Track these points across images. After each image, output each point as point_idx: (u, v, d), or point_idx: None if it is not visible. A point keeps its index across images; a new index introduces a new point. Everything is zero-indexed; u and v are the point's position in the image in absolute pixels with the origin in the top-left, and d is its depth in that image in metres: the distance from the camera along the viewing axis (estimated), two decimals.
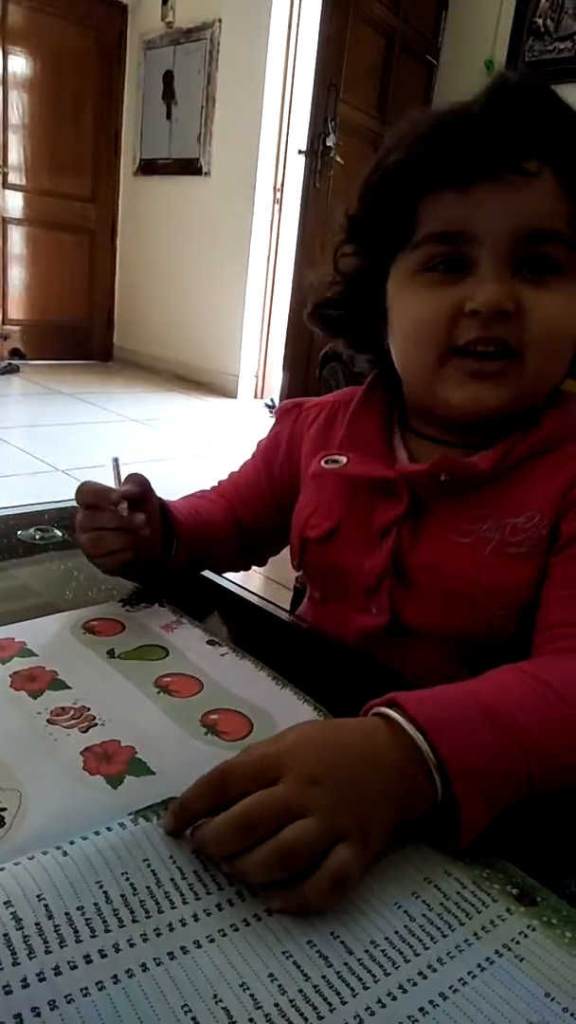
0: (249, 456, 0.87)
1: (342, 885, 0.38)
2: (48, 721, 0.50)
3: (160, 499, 0.72)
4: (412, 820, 0.43)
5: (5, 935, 0.34)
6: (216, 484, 0.88)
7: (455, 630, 0.63)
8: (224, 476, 0.88)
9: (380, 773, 0.42)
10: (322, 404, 0.79)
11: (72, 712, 0.51)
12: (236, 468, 0.88)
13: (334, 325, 0.74)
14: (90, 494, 0.66)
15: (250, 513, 0.83)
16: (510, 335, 0.59)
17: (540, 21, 4.31)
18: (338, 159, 3.52)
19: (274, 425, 0.83)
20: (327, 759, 0.42)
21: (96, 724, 0.50)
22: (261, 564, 0.89)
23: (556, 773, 0.46)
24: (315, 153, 3.51)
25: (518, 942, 0.38)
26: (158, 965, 0.34)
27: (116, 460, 0.71)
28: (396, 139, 0.62)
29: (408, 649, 0.66)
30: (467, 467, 0.63)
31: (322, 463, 0.72)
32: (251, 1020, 0.32)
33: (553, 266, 0.59)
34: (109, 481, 0.69)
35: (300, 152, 3.64)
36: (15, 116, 4.95)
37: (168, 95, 5.10)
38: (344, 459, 0.71)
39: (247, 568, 0.88)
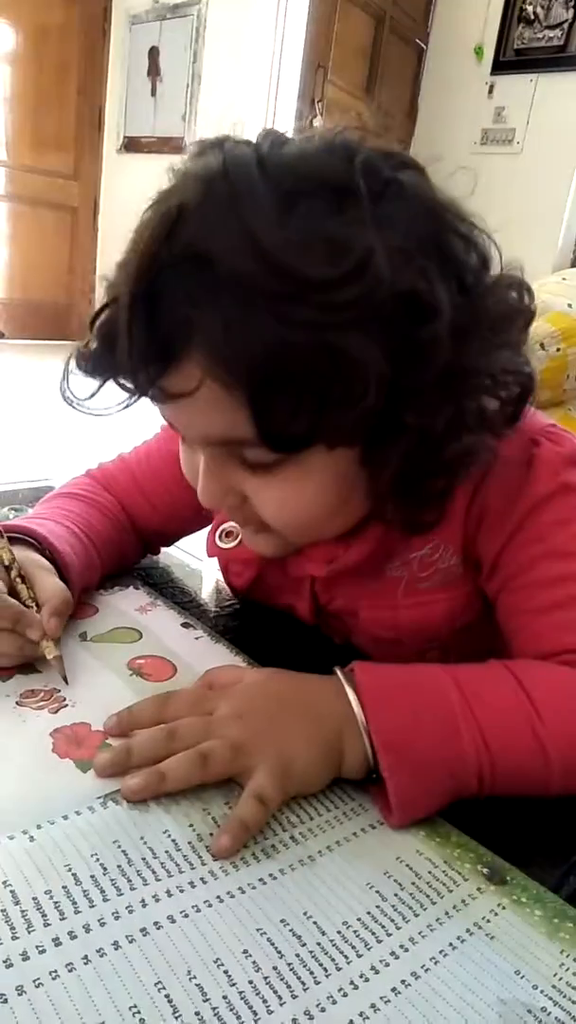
0: (150, 442, 0.76)
1: (260, 800, 0.42)
2: (17, 703, 0.50)
3: (56, 554, 0.60)
4: (352, 780, 0.46)
5: None
6: (112, 465, 0.76)
7: (398, 660, 0.59)
8: None
9: (310, 720, 0.46)
10: None
11: (42, 695, 0.51)
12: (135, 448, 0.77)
13: None
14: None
15: (157, 518, 0.74)
16: (248, 517, 0.54)
17: (530, 8, 4.29)
18: None
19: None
20: (259, 699, 0.48)
21: (66, 706, 0.50)
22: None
23: (512, 783, 0.46)
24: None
25: (489, 920, 0.38)
26: (131, 942, 0.34)
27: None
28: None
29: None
30: (352, 561, 0.59)
31: (217, 540, 0.68)
32: (225, 997, 0.32)
33: (267, 463, 0.49)
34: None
35: None
36: None
37: (153, 71, 5.02)
38: (238, 532, 0.65)
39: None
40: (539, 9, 4.24)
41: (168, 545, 0.79)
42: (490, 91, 4.54)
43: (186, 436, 0.53)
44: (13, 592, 0.54)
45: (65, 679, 0.52)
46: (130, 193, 5.80)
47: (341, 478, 0.51)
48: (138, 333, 0.44)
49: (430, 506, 0.53)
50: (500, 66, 4.50)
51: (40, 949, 0.33)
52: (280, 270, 0.40)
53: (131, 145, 5.30)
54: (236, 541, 0.66)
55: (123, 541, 0.71)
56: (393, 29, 3.96)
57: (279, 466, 0.49)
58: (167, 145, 5.01)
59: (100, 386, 0.51)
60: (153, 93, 5.06)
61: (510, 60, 4.48)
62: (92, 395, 0.53)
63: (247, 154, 0.44)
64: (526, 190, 3.98)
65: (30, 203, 5.21)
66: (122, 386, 0.49)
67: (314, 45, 3.43)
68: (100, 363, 0.50)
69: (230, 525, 0.67)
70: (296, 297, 0.41)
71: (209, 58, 4.71)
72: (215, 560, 0.72)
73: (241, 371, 0.43)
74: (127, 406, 0.52)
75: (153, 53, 4.99)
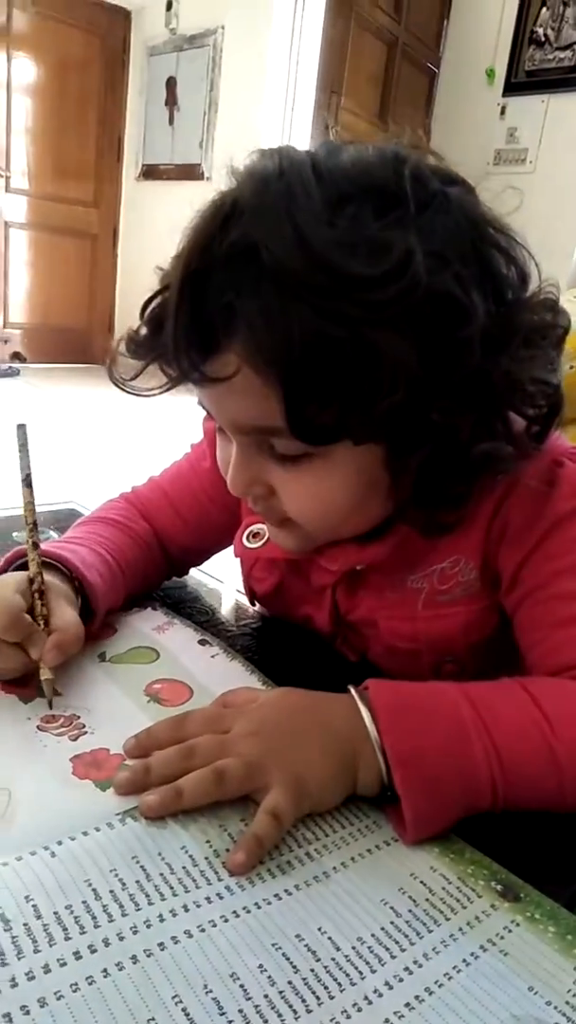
0: (180, 462, 0.78)
1: (275, 817, 0.42)
2: (38, 728, 0.51)
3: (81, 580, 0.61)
4: (367, 797, 0.46)
5: None
6: (145, 487, 0.78)
7: (412, 676, 0.60)
8: None
9: (324, 737, 0.47)
10: None
11: (62, 720, 0.52)
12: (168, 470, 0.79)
13: None
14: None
15: (188, 532, 0.75)
16: (273, 511, 0.56)
17: (540, 30, 4.34)
18: None
19: (209, 438, 0.72)
20: (274, 717, 0.48)
21: (86, 733, 0.51)
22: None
23: (527, 797, 0.47)
24: None
25: (502, 937, 0.39)
26: (148, 956, 0.34)
27: (22, 428, 0.63)
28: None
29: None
30: (371, 560, 0.61)
31: (245, 540, 0.70)
32: (241, 1011, 0.32)
33: (295, 453, 0.51)
34: (13, 453, 0.63)
35: None
36: (19, 121, 4.97)
37: (171, 101, 5.12)
38: (265, 533, 0.68)
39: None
40: (549, 31, 4.28)
41: (197, 565, 0.80)
42: (502, 112, 4.58)
43: (220, 421, 0.54)
44: (29, 609, 0.56)
45: (50, 703, 0.53)
46: (149, 220, 5.93)
47: (365, 475, 0.53)
48: (185, 317, 0.47)
49: (450, 508, 0.54)
50: (512, 87, 4.55)
51: (61, 962, 0.33)
52: (323, 266, 0.43)
53: (150, 173, 5.40)
54: (263, 541, 0.68)
55: (150, 566, 0.73)
56: (405, 54, 4.02)
57: (306, 459, 0.51)
58: (185, 172, 5.10)
59: (144, 367, 0.55)
60: (171, 122, 5.15)
61: (521, 81, 4.53)
62: (136, 375, 0.57)
63: (303, 158, 0.48)
64: (539, 209, 4.00)
65: (51, 231, 5.32)
66: (165, 371, 0.52)
67: (327, 72, 3.48)
68: (147, 346, 0.53)
69: (258, 526, 0.69)
70: (336, 292, 0.43)
71: (225, 87, 4.79)
72: (234, 577, 0.74)
73: (276, 360, 0.45)
74: (168, 389, 0.55)
75: (171, 83, 5.09)
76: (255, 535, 0.69)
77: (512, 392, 0.50)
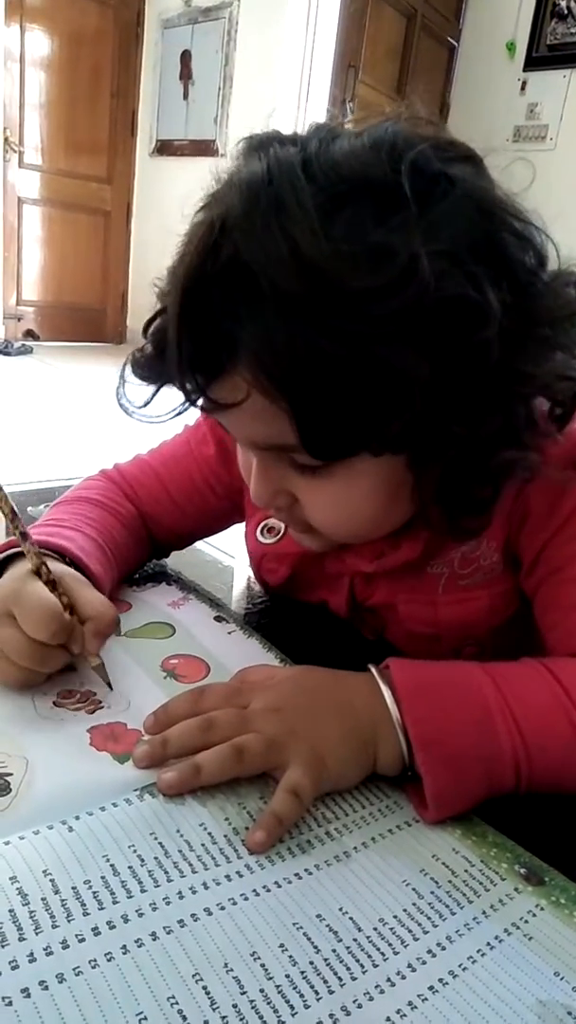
0: (172, 443, 0.75)
1: (294, 794, 0.42)
2: (55, 703, 0.50)
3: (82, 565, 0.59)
4: (388, 776, 0.46)
5: (11, 911, 0.34)
6: (133, 467, 0.75)
7: (434, 657, 0.59)
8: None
9: (344, 716, 0.46)
10: None
11: (79, 696, 0.51)
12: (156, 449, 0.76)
13: None
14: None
15: (185, 522, 0.73)
16: (297, 519, 0.55)
17: (563, 3, 4.24)
18: None
19: (208, 428, 0.71)
20: (295, 694, 0.48)
21: (102, 707, 0.50)
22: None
23: (552, 777, 0.46)
24: None
25: (527, 921, 0.38)
26: (168, 933, 0.34)
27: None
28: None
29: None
30: (405, 559, 0.59)
31: (259, 536, 0.68)
32: (262, 991, 0.32)
33: (316, 465, 0.49)
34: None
35: None
36: (32, 95, 4.92)
37: (185, 75, 5.06)
38: (280, 527, 0.67)
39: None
40: (572, 4, 4.19)
41: (180, 548, 0.77)
42: (522, 88, 4.50)
43: (236, 439, 0.53)
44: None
45: (109, 685, 0.52)
46: (163, 196, 5.88)
47: (388, 482, 0.51)
48: (186, 345, 0.45)
49: (475, 513, 0.52)
50: (533, 62, 4.46)
51: (80, 938, 0.33)
52: (322, 283, 0.40)
53: (164, 148, 5.34)
54: (278, 537, 0.67)
55: (136, 550, 0.70)
56: (424, 27, 3.94)
57: (327, 469, 0.49)
58: (199, 148, 5.04)
59: (154, 394, 0.53)
60: (185, 96, 5.09)
61: (543, 56, 4.44)
62: (147, 403, 0.54)
63: (292, 157, 0.44)
64: (560, 186, 3.94)
65: (64, 207, 5.28)
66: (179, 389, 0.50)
67: (345, 45, 3.42)
68: (154, 369, 0.51)
69: (273, 521, 0.67)
70: (338, 310, 0.40)
71: (240, 60, 4.73)
72: (247, 556, 0.73)
73: (284, 383, 0.43)
74: (179, 413, 0.53)
75: (185, 57, 5.03)
76: (269, 530, 0.68)
77: (535, 387, 0.47)
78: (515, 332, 0.44)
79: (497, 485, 0.51)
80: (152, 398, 0.54)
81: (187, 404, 0.50)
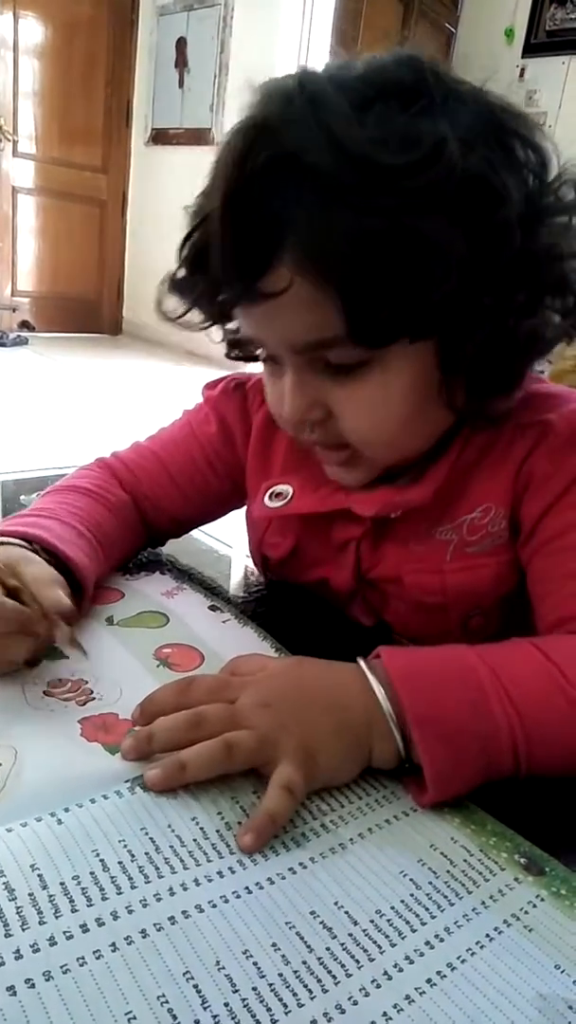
0: (172, 428, 0.76)
1: (287, 790, 0.40)
2: (45, 693, 0.49)
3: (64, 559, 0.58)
4: (384, 769, 0.45)
5: None
6: (131, 453, 0.75)
7: (433, 634, 0.61)
8: None
9: (337, 710, 0.45)
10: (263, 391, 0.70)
11: (69, 685, 0.50)
12: (154, 435, 0.77)
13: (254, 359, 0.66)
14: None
15: (185, 506, 0.73)
16: (332, 436, 0.56)
17: None
18: None
19: (211, 407, 0.74)
20: (284, 688, 0.46)
21: (94, 699, 0.49)
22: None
23: (551, 754, 0.45)
24: None
25: (527, 912, 0.37)
26: (158, 930, 0.33)
27: None
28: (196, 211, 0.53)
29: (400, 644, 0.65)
30: (415, 500, 0.59)
31: (266, 500, 0.67)
32: (255, 989, 0.31)
33: (352, 364, 0.51)
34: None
35: None
36: (26, 83, 4.88)
37: (181, 62, 5.02)
38: (289, 490, 0.66)
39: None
40: None
41: (178, 536, 0.77)
42: (521, 74, 4.46)
43: (273, 345, 0.54)
44: (15, 595, 0.51)
45: (84, 652, 0.51)
46: (159, 185, 5.86)
47: (420, 380, 0.53)
48: (231, 238, 0.48)
49: (502, 391, 0.55)
50: (531, 48, 4.43)
51: (68, 935, 0.32)
52: (358, 162, 0.44)
53: (159, 137, 5.31)
54: (286, 500, 0.66)
55: (127, 538, 0.69)
56: (422, 12, 3.91)
57: (362, 369, 0.51)
58: (195, 137, 5.01)
59: (189, 308, 0.57)
60: (181, 85, 5.05)
61: (541, 42, 4.41)
62: (183, 314, 0.58)
63: (319, 74, 0.49)
64: None
65: (58, 197, 5.24)
66: (206, 310, 0.56)
67: (342, 31, 3.39)
68: (189, 285, 0.55)
69: (281, 487, 0.67)
70: (375, 186, 0.44)
71: (236, 47, 4.69)
72: (244, 543, 0.72)
73: (329, 265, 0.46)
74: (217, 321, 0.58)
75: (181, 44, 4.99)
76: (277, 495, 0.67)
77: (556, 263, 0.51)
78: (529, 217, 0.48)
79: (524, 359, 0.54)
80: (187, 312, 0.57)
81: (214, 321, 0.53)
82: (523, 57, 4.44)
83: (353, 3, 3.39)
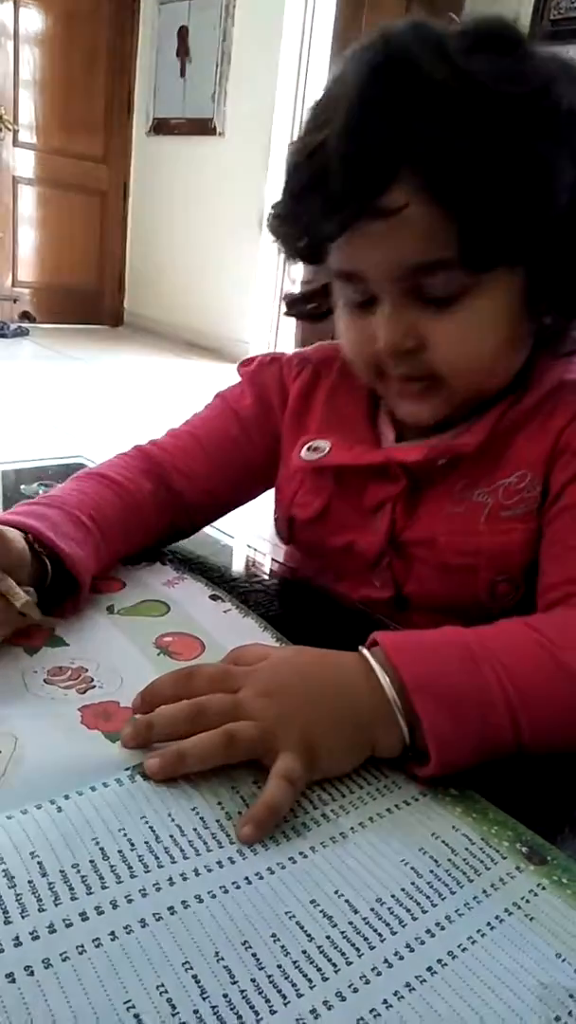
0: (205, 410, 0.77)
1: (288, 781, 0.40)
2: (45, 680, 0.49)
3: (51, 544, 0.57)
4: (390, 757, 0.44)
5: None
6: (167, 437, 0.76)
7: (459, 601, 0.62)
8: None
9: (338, 697, 0.45)
10: (301, 361, 0.75)
11: (70, 673, 0.50)
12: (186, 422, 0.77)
13: (312, 318, 0.71)
14: None
15: (210, 480, 0.73)
16: (421, 366, 0.58)
17: None
18: None
19: (247, 381, 0.76)
20: (286, 678, 0.46)
21: (94, 687, 0.49)
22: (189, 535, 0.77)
23: (549, 719, 0.46)
24: None
25: (528, 901, 0.37)
26: (158, 920, 0.33)
27: None
28: (296, 151, 0.56)
29: (412, 623, 0.65)
30: (462, 448, 0.61)
31: (303, 453, 0.68)
32: (254, 980, 0.31)
33: (450, 294, 0.55)
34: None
35: None
36: (26, 72, 4.86)
37: (183, 52, 4.99)
38: (327, 445, 0.68)
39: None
40: None
41: (213, 519, 0.77)
42: None
43: (377, 272, 0.56)
44: None
45: (44, 622, 0.51)
46: (160, 176, 5.82)
47: (509, 313, 0.57)
48: (355, 156, 0.50)
49: None
50: (536, 37, 4.39)
51: (67, 923, 0.32)
52: (480, 90, 0.48)
53: (160, 127, 5.28)
54: (322, 454, 0.67)
55: (140, 525, 0.68)
56: (425, 4, 3.87)
57: (459, 300, 0.55)
58: (197, 127, 4.98)
59: (300, 235, 0.58)
60: (182, 74, 5.03)
61: (546, 31, 4.36)
62: (298, 241, 0.59)
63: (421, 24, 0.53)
64: None
65: (59, 187, 5.23)
66: (304, 244, 0.58)
67: (345, 23, 3.36)
68: (292, 217, 0.58)
69: (318, 442, 0.68)
70: (495, 113, 0.49)
71: (239, 37, 4.66)
72: (247, 533, 0.73)
73: (447, 186, 0.50)
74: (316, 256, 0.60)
75: (183, 33, 4.96)
76: (315, 449, 0.68)
77: None
78: None
79: None
80: (301, 240, 0.59)
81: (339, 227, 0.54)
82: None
83: None
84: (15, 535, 0.54)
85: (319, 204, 0.53)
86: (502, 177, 0.49)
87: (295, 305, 0.70)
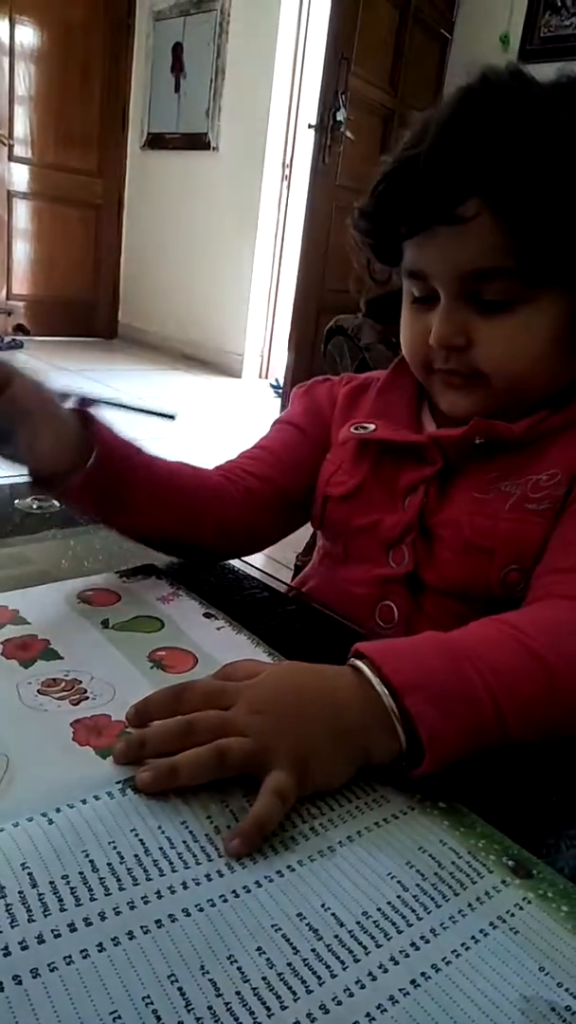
0: (267, 434, 0.83)
1: (279, 797, 0.41)
2: (39, 691, 0.50)
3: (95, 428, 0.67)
4: (378, 768, 0.45)
5: None
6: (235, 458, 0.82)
7: (471, 586, 0.65)
8: (227, 456, 0.81)
9: (330, 712, 0.45)
10: (351, 377, 0.83)
11: (63, 684, 0.51)
12: (243, 448, 0.83)
13: (385, 318, 0.76)
14: None
15: (289, 475, 0.78)
16: (467, 364, 0.63)
17: None
18: (348, 134, 3.47)
19: (299, 397, 0.84)
20: (278, 694, 0.47)
21: (87, 698, 0.50)
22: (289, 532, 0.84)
23: (530, 705, 0.47)
24: (325, 128, 3.45)
25: (513, 915, 0.37)
26: (145, 933, 0.33)
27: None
28: (393, 163, 0.63)
29: (422, 607, 0.68)
30: (502, 430, 0.65)
31: (351, 429, 0.74)
32: (238, 993, 0.31)
33: (504, 301, 0.60)
34: None
35: (310, 127, 3.58)
36: (22, 87, 4.88)
37: (177, 67, 5.03)
38: (372, 426, 0.73)
39: (281, 535, 0.82)
40: None
41: (280, 512, 0.79)
42: None
43: (441, 272, 0.62)
44: None
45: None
46: (154, 190, 5.84)
47: (558, 328, 0.62)
48: (440, 169, 0.57)
49: None
50: (526, 55, 4.43)
51: (56, 933, 0.32)
52: (550, 130, 0.56)
53: (155, 142, 5.32)
54: (372, 429, 0.72)
55: (197, 488, 0.73)
56: (417, 19, 3.91)
57: (512, 308, 0.60)
58: (191, 142, 5.02)
59: (384, 231, 0.66)
60: (177, 89, 5.07)
61: (536, 48, 4.42)
62: (382, 233, 0.66)
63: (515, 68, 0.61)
64: None
65: (55, 201, 5.25)
66: (384, 242, 0.66)
67: (338, 36, 3.39)
68: (378, 214, 0.65)
69: (365, 424, 0.73)
70: (561, 152, 0.56)
71: (233, 53, 4.70)
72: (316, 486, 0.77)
73: (512, 204, 0.56)
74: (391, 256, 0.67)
75: (177, 49, 5.00)
76: (362, 428, 0.73)
77: None
78: None
79: None
80: (386, 229, 0.65)
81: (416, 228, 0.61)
82: (518, 63, 4.45)
83: (349, 9, 3.39)
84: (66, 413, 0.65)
85: (402, 206, 0.61)
86: (561, 207, 0.56)
87: (373, 305, 0.77)
